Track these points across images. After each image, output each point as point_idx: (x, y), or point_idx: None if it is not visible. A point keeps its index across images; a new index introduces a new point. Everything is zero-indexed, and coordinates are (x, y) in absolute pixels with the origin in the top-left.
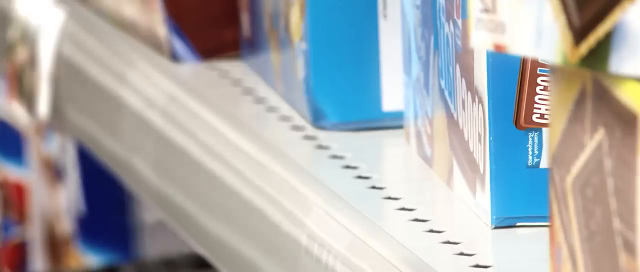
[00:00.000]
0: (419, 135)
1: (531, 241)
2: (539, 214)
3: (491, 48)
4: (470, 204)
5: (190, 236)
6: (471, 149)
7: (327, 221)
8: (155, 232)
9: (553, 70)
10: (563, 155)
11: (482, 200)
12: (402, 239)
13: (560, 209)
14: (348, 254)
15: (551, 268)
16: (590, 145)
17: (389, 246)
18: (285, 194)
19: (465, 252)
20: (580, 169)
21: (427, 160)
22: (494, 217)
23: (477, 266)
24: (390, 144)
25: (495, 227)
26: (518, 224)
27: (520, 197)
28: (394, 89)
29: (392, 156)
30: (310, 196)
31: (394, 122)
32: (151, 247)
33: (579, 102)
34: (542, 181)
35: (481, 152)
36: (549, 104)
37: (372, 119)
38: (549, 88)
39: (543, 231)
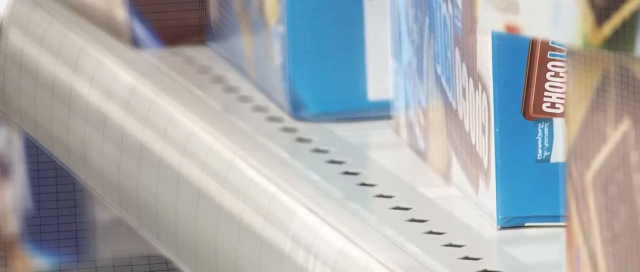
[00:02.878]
0: (410, 126)
1: (542, 243)
2: (550, 214)
3: (502, 29)
4: (472, 203)
5: (154, 237)
6: (473, 141)
7: (314, 224)
8: (110, 233)
9: (571, 54)
10: (582, 148)
11: (487, 198)
12: (399, 242)
13: (579, 209)
14: (340, 261)
15: None
16: (614, 137)
17: (385, 251)
18: (264, 193)
19: (470, 256)
20: (603, 163)
21: (421, 153)
22: (500, 217)
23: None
24: (377, 136)
25: (502, 228)
26: (527, 224)
27: (529, 194)
28: (381, 76)
29: (380, 149)
30: (293, 195)
31: (380, 112)
32: (105, 249)
33: (601, 90)
34: (553, 177)
35: (485, 146)
36: (565, 92)
37: (357, 108)
38: (565, 74)
39: (555, 233)
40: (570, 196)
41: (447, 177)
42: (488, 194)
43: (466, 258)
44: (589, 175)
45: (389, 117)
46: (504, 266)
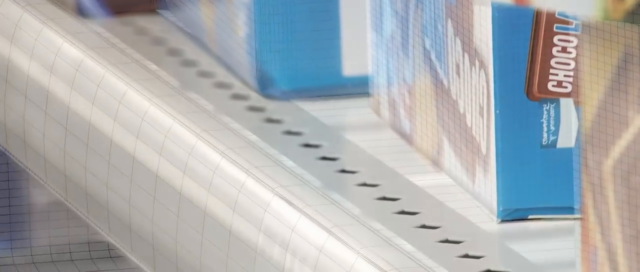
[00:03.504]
0: (393, 106)
1: (549, 239)
2: (556, 205)
3: (508, 0)
4: (468, 192)
5: (105, 228)
6: (469, 124)
7: (290, 216)
8: (47, 218)
9: (587, 28)
10: (600, 134)
11: (485, 187)
12: (389, 238)
13: (595, 202)
14: (321, 259)
15: None
16: (637, 121)
17: (374, 247)
18: (232, 181)
19: (471, 254)
20: (624, 151)
21: (406, 136)
22: (501, 209)
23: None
24: (355, 116)
25: (503, 221)
26: (530, 217)
27: (533, 184)
28: (357, 50)
29: (360, 131)
30: (265, 184)
31: (357, 89)
32: (42, 235)
33: (623, 68)
34: (561, 164)
35: (483, 129)
36: (580, 71)
37: (331, 85)
38: (577, 50)
39: (563, 227)
40: (586, 188)
41: (437, 163)
42: (487, 183)
43: (466, 256)
44: (608, 164)
45: (367, 95)
46: (508, 265)
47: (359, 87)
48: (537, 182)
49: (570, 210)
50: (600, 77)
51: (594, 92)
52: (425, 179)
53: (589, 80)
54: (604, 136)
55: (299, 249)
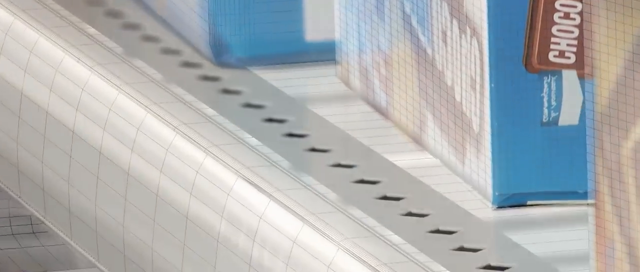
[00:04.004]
0: (365, 75)
1: (551, 227)
2: (557, 190)
3: None
4: (456, 175)
5: (40, 209)
6: (458, 98)
7: (258, 202)
8: None
9: None
10: (619, 113)
11: (478, 169)
12: (373, 228)
13: (612, 189)
14: (295, 251)
15: (595, 270)
16: None
17: (357, 239)
18: (188, 161)
19: (467, 246)
20: None
21: (381, 110)
22: (497, 193)
23: (489, 267)
24: (321, 86)
25: (499, 208)
26: (529, 203)
27: (532, 166)
28: (322, 12)
29: (327, 103)
30: (227, 165)
31: (321, 56)
32: None
33: None
34: (563, 144)
35: (476, 104)
36: (595, 42)
37: (293, 52)
38: (592, 18)
39: (566, 214)
40: (601, 174)
41: (419, 140)
42: (479, 165)
43: (461, 249)
44: (628, 146)
45: (332, 63)
46: (510, 258)
47: (324, 54)
48: (536, 164)
49: (573, 195)
50: (618, 48)
51: (611, 66)
52: (407, 159)
53: (606, 52)
54: (624, 115)
55: (269, 240)
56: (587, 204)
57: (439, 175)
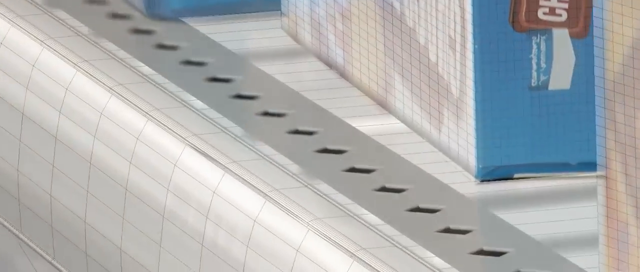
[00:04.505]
0: (317, 29)
1: (543, 204)
2: (549, 161)
3: None
4: (431, 143)
5: None
6: (434, 59)
7: (209, 174)
8: None
9: None
10: (634, 81)
11: (458, 139)
12: (345, 205)
13: (626, 166)
14: (257, 231)
15: (605, 256)
16: None
17: (329, 219)
18: (126, 126)
19: (453, 227)
20: None
21: (337, 67)
22: (481, 166)
23: (481, 252)
24: (265, 40)
25: (483, 181)
26: (517, 175)
27: (520, 134)
28: None
29: (275, 60)
30: (171, 130)
31: (263, 6)
32: None
33: None
34: (553, 110)
35: (455, 66)
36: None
37: (232, 2)
38: None
39: (559, 188)
40: (613, 149)
41: (384, 104)
42: (459, 134)
43: (448, 231)
44: None
45: (277, 14)
46: (505, 242)
47: (267, 4)
48: (524, 133)
49: (565, 167)
50: (635, 8)
51: (626, 28)
52: (372, 125)
53: (619, 13)
54: None
55: (225, 217)
56: (581, 177)
57: (409, 143)
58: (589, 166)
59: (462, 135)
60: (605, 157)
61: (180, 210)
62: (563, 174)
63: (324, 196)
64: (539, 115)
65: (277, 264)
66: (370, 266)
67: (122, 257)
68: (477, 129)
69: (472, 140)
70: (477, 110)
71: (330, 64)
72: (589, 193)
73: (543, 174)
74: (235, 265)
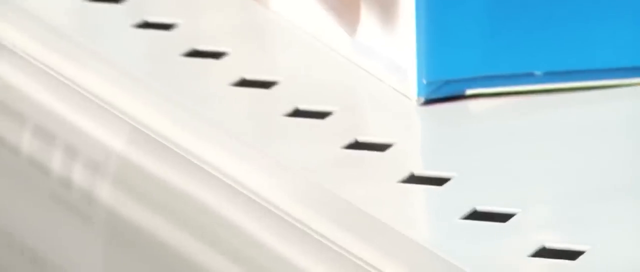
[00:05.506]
0: None
1: (500, 122)
2: (509, 72)
3: None
4: (352, 54)
5: None
6: None
7: (82, 103)
8: None
9: None
10: None
11: (392, 46)
12: (247, 133)
13: None
14: (123, 170)
15: None
16: None
17: (231, 156)
18: None
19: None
20: None
21: None
22: (426, 81)
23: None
24: None
25: (427, 102)
26: (469, 92)
27: (473, 40)
28: None
29: None
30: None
31: None
32: None
33: None
34: (513, 7)
35: None
36: None
37: None
38: None
39: (525, 104)
40: None
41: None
42: (394, 40)
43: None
44: None
45: None
46: (447, 167)
47: None
48: (478, 37)
49: (530, 78)
50: None
51: None
52: (280, 30)
53: None
54: None
55: (92, 159)
56: (549, 89)
57: (327, 55)
58: (559, 75)
59: (396, 42)
60: None
61: (58, 163)
62: (528, 87)
63: (210, 121)
64: (496, 14)
65: None
66: None
67: None
68: (418, 35)
69: (413, 49)
70: (418, 11)
71: None
72: (558, 108)
73: (503, 88)
74: None
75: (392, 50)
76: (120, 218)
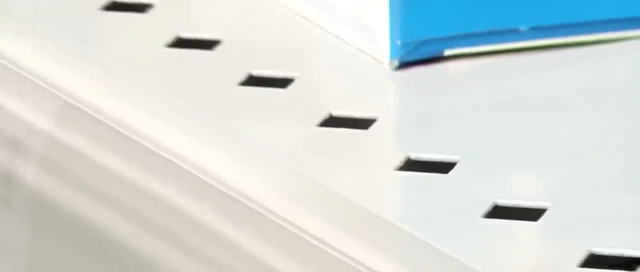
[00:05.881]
0: None
1: (481, 81)
2: (491, 29)
3: None
4: (309, 10)
5: None
6: None
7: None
8: None
9: None
10: None
11: (353, 3)
12: (197, 106)
13: None
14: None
15: None
16: None
17: (202, 133)
18: None
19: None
20: None
21: None
22: (400, 42)
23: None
24: None
25: (402, 65)
26: (448, 52)
27: None
28: None
29: None
30: None
31: None
32: None
33: None
34: None
35: None
36: None
37: None
38: None
39: (510, 65)
40: None
41: None
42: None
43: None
44: None
45: None
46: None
47: None
48: None
49: (514, 35)
50: None
51: None
52: None
53: None
54: None
55: (22, 141)
56: (535, 46)
57: (287, 16)
58: (548, 30)
59: (368, 3)
60: None
61: None
62: (511, 45)
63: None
64: None
65: None
66: None
67: None
68: None
69: (385, 6)
70: None
71: None
72: (546, 68)
73: (485, 46)
74: None
75: (359, 7)
76: (48, 201)
